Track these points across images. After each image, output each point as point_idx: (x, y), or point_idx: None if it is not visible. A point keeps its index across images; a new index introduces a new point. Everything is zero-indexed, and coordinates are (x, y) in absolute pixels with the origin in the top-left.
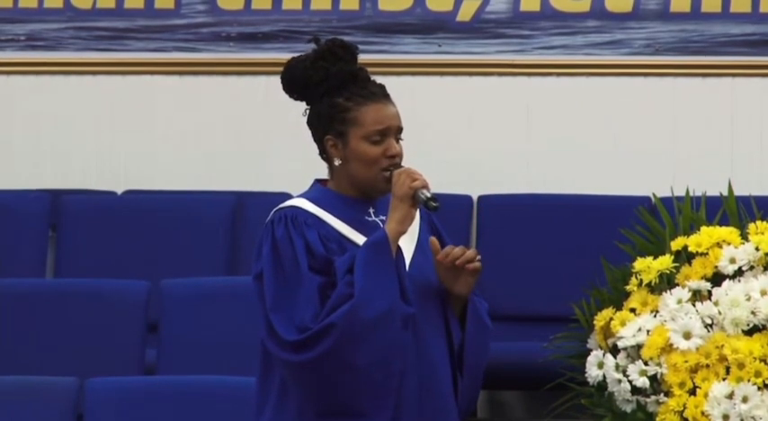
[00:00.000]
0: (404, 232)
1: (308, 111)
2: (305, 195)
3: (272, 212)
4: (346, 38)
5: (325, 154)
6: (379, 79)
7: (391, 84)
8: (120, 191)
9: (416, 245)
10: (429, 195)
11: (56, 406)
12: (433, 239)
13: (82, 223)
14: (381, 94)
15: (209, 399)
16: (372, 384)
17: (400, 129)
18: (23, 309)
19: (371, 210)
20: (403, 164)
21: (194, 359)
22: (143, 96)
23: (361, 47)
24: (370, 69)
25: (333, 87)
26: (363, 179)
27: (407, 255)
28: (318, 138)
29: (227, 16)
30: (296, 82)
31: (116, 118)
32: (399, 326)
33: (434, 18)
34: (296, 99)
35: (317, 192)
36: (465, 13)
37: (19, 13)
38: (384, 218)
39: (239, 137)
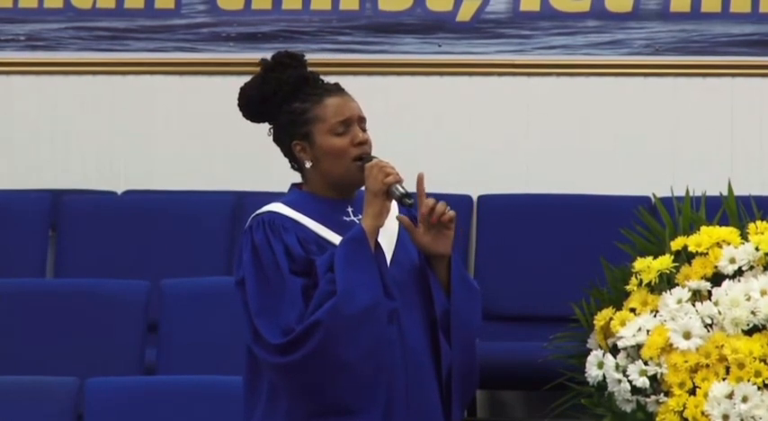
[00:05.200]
0: (380, 226)
1: (271, 131)
2: (282, 199)
3: (250, 218)
4: (346, 38)
5: (295, 162)
6: (379, 79)
7: (391, 84)
8: (120, 191)
9: (397, 241)
10: (403, 191)
11: (56, 406)
12: (402, 217)
13: (82, 223)
14: (336, 89)
15: (209, 399)
16: (362, 380)
17: (363, 119)
18: (23, 309)
19: (350, 210)
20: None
21: (194, 359)
22: (143, 96)
23: (361, 47)
24: (370, 69)
25: (287, 94)
26: (337, 174)
27: (388, 251)
28: (286, 148)
29: (227, 16)
30: (252, 100)
31: (116, 118)
32: (384, 322)
33: (434, 18)
34: (257, 120)
35: (294, 195)
36: (465, 13)
37: (19, 13)
38: (362, 215)
39: (239, 137)
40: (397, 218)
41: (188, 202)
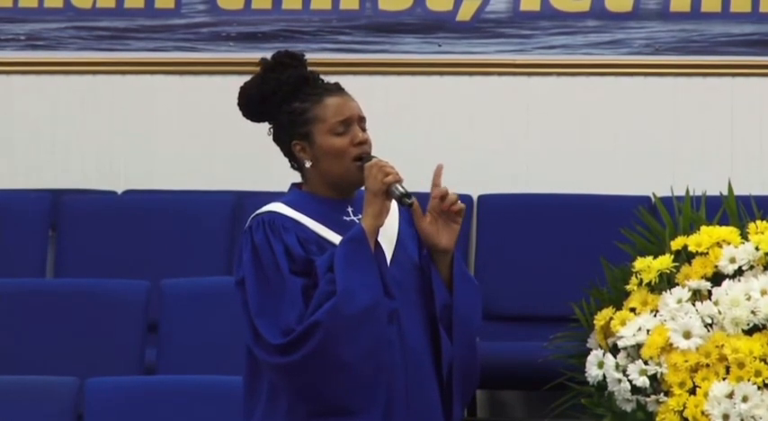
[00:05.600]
0: (381, 225)
1: (271, 130)
2: (282, 199)
3: (250, 218)
4: (346, 38)
5: (295, 162)
6: (379, 79)
7: (391, 84)
8: (120, 191)
9: (396, 242)
10: (403, 191)
11: (56, 406)
12: (415, 203)
13: (82, 223)
14: (336, 89)
15: (209, 399)
16: (362, 380)
17: (362, 119)
18: (23, 308)
19: (350, 210)
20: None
21: (194, 359)
22: (143, 96)
23: (361, 47)
24: (370, 69)
25: (287, 94)
26: (336, 173)
27: (387, 251)
28: (286, 148)
29: (227, 16)
30: (251, 100)
31: (116, 118)
32: (384, 322)
33: (434, 18)
34: (257, 120)
35: (294, 195)
36: (465, 13)
37: (19, 13)
38: (362, 215)
39: (239, 137)
40: (414, 205)
41: (188, 202)
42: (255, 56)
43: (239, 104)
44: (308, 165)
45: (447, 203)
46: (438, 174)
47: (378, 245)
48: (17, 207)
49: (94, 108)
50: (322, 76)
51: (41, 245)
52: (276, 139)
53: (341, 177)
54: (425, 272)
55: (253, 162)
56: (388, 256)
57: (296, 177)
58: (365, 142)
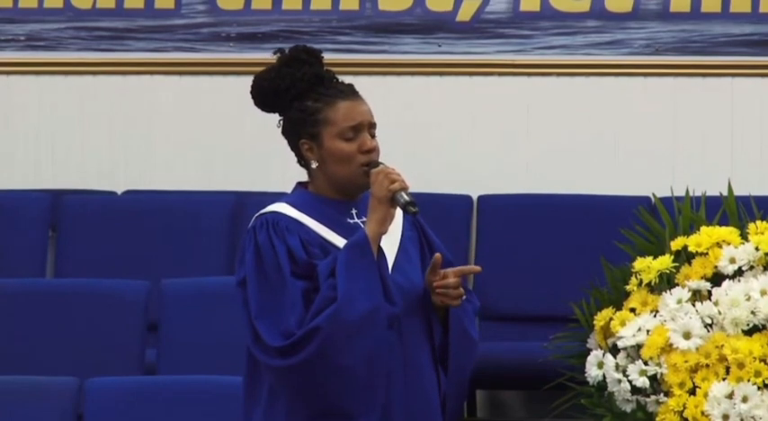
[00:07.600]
0: (384, 232)
1: (281, 122)
2: (286, 199)
3: (254, 218)
4: (346, 38)
5: (302, 159)
6: (379, 79)
7: (391, 84)
8: (120, 191)
9: (399, 247)
10: (408, 199)
11: (56, 406)
12: (438, 256)
13: (82, 223)
14: (350, 92)
15: (209, 399)
16: (360, 385)
17: (373, 125)
18: (23, 308)
19: (354, 212)
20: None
21: (194, 359)
22: (143, 96)
23: (361, 47)
24: (370, 69)
25: (301, 91)
26: (342, 177)
27: (390, 257)
28: (294, 144)
29: (227, 16)
30: (264, 92)
31: (116, 118)
32: (384, 326)
33: (434, 18)
34: (268, 111)
35: (299, 195)
36: (465, 13)
37: (19, 13)
38: (366, 219)
39: (239, 137)
40: (435, 257)
41: (188, 202)
42: (255, 56)
43: (252, 94)
44: (314, 165)
45: (446, 293)
46: (467, 272)
47: (380, 250)
48: (17, 207)
49: (94, 108)
50: None
51: (41, 245)
52: (285, 133)
53: (346, 181)
54: (427, 298)
55: (253, 162)
56: (391, 262)
57: (295, 178)
58: (373, 149)
